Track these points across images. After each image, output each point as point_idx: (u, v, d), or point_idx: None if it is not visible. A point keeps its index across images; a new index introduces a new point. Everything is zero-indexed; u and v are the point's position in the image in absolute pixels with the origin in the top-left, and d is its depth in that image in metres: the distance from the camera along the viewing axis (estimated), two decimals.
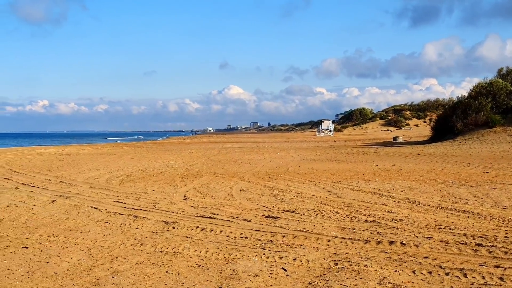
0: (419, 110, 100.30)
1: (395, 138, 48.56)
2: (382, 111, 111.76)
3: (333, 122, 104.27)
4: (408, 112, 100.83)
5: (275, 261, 6.31)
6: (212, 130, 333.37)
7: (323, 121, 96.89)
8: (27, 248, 7.33)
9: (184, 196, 12.11)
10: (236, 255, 6.61)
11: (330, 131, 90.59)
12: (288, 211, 9.87)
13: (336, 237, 7.58)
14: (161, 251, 6.94)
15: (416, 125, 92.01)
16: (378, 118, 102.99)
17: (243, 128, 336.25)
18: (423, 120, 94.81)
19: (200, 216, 9.45)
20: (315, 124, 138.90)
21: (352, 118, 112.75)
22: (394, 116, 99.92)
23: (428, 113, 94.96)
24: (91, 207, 10.88)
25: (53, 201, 11.82)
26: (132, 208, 10.57)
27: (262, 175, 16.78)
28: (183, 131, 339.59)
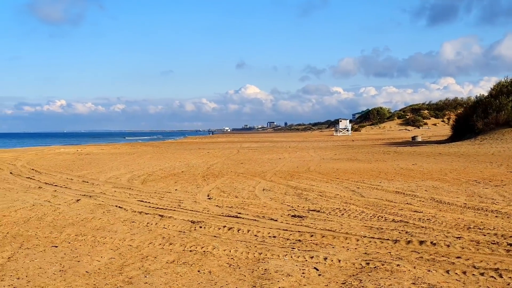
0: (437, 109, 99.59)
1: (414, 138, 48.22)
2: (400, 110, 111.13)
3: (350, 121, 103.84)
4: (426, 111, 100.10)
5: (306, 260, 6.27)
6: (229, 130, 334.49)
7: (341, 121, 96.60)
8: (56, 247, 7.38)
9: (208, 196, 12.12)
10: (266, 255, 6.58)
11: (347, 130, 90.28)
12: (314, 210, 9.82)
13: (364, 236, 7.52)
14: (190, 251, 6.94)
15: (434, 125, 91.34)
16: (395, 118, 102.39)
17: (260, 128, 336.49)
18: (441, 119, 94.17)
19: (225, 216, 9.45)
20: (332, 124, 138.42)
21: (370, 117, 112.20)
22: (412, 115, 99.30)
23: (447, 112, 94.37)
24: (116, 206, 10.94)
25: (78, 200, 11.91)
26: (157, 208, 10.61)
27: (284, 175, 16.75)
28: (200, 131, 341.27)
